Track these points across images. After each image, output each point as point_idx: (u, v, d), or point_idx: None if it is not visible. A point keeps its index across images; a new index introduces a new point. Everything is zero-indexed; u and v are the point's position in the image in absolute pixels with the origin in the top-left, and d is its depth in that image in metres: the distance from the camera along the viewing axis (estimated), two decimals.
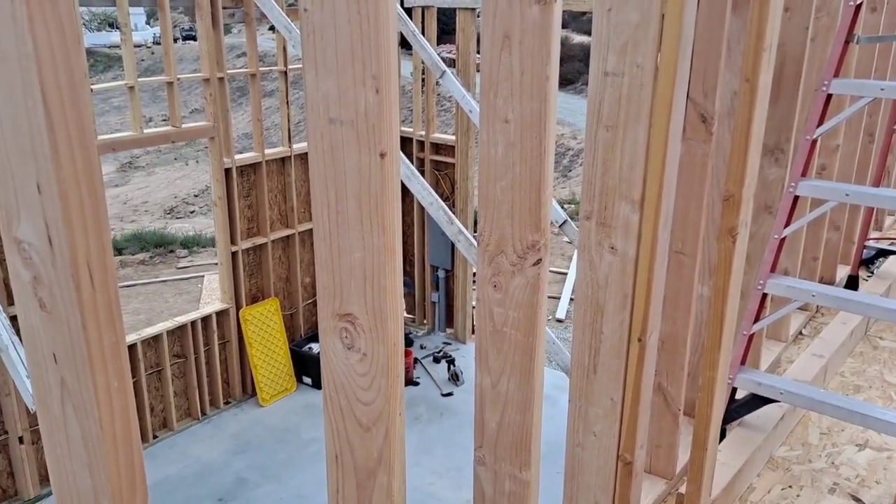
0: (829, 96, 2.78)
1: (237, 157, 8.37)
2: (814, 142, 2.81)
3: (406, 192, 9.01)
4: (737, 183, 1.90)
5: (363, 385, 1.39)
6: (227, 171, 8.19)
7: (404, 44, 9.36)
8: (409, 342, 10.11)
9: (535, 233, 1.69)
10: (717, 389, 2.04)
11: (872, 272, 4.54)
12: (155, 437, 8.13)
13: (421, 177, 7.44)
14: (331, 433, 1.47)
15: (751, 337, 2.86)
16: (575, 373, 2.30)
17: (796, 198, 2.79)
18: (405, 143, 10.13)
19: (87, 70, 0.82)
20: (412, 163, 9.46)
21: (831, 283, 4.24)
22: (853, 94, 2.83)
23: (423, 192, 7.12)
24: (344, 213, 1.31)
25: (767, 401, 2.82)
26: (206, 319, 8.42)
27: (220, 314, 8.57)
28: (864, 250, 4.45)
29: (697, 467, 2.11)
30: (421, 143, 10.02)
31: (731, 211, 1.92)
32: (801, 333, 3.92)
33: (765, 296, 2.84)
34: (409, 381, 9.50)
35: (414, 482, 7.56)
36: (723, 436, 2.88)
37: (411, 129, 10.19)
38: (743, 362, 2.87)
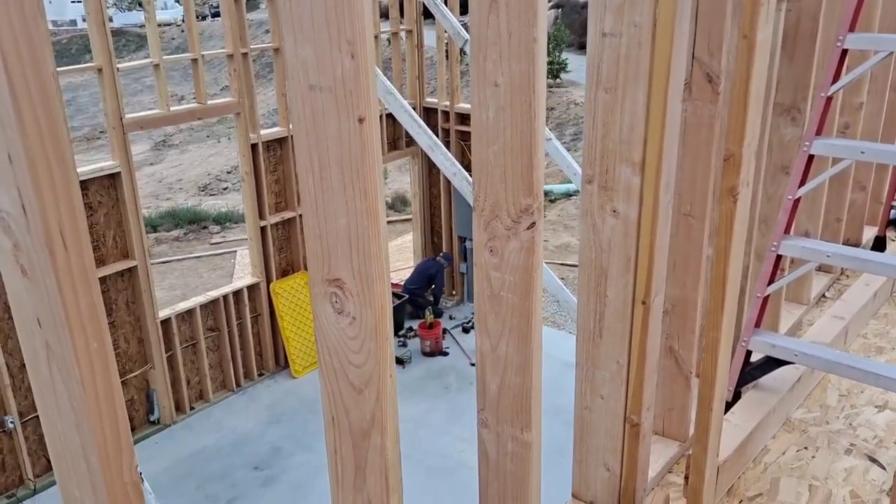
0: (845, 52, 2.70)
1: (263, 132, 8.44)
2: (829, 99, 2.75)
3: (433, 164, 9.00)
4: (736, 142, 1.87)
5: (354, 348, 1.42)
6: (254, 147, 8.28)
7: (427, 14, 9.29)
8: (438, 313, 10.17)
9: (528, 197, 1.69)
10: (722, 350, 2.03)
11: None
12: (192, 408, 8.35)
13: (444, 147, 7.43)
14: (326, 396, 1.50)
15: (765, 299, 2.82)
16: (580, 337, 2.31)
17: (811, 157, 2.74)
18: (430, 113, 10.11)
19: (48, 39, 0.85)
20: (437, 134, 9.44)
21: (857, 244, 4.16)
22: (869, 49, 2.75)
23: (447, 162, 7.11)
24: (328, 179, 1.33)
25: (782, 363, 2.80)
26: (237, 294, 8.58)
27: (252, 288, 8.72)
28: (892, 211, 4.35)
29: (703, 428, 2.11)
30: (446, 114, 9.99)
31: (732, 170, 1.90)
32: (824, 296, 3.86)
33: (779, 258, 2.80)
34: (439, 352, 9.59)
35: (444, 449, 7.67)
36: (738, 398, 2.87)
37: (436, 100, 10.16)
38: (758, 325, 2.85)
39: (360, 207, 1.31)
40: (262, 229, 8.58)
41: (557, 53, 26.34)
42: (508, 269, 1.77)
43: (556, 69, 25.88)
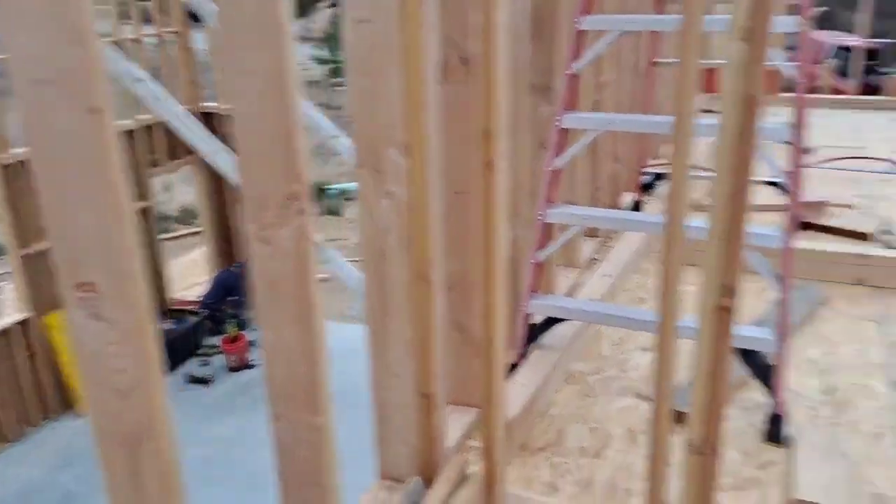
0: (582, 32, 2.98)
1: (15, 151, 7.64)
2: (574, 76, 3.01)
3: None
4: (488, 118, 2.00)
5: (116, 353, 1.34)
6: (6, 168, 7.47)
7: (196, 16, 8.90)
8: (242, 325, 9.83)
9: (295, 183, 1.69)
10: (498, 315, 2.16)
11: (652, 195, 4.97)
12: None
13: (229, 151, 7.18)
14: (94, 407, 1.41)
15: (539, 265, 3.04)
16: (370, 320, 2.35)
17: (564, 131, 2.99)
18: (210, 118, 9.72)
19: None
20: (221, 139, 9.09)
21: (617, 209, 4.60)
22: (603, 29, 3.05)
23: (230, 166, 6.88)
24: (66, 176, 1.25)
25: (559, 321, 3.03)
26: (4, 333, 7.72)
27: (23, 324, 7.89)
28: (643, 177, 4.86)
29: (488, 392, 2.24)
30: (228, 117, 9.65)
31: (488, 145, 2.02)
32: (594, 259, 4.23)
33: (547, 225, 3.03)
34: (245, 365, 9.28)
35: (261, 463, 7.40)
36: (524, 359, 3.07)
37: (215, 104, 9.79)
38: (536, 289, 3.06)
39: (105, 203, 1.24)
40: (27, 258, 7.77)
41: (338, 52, 26.38)
42: (282, 256, 1.76)
43: (338, 68, 25.91)
